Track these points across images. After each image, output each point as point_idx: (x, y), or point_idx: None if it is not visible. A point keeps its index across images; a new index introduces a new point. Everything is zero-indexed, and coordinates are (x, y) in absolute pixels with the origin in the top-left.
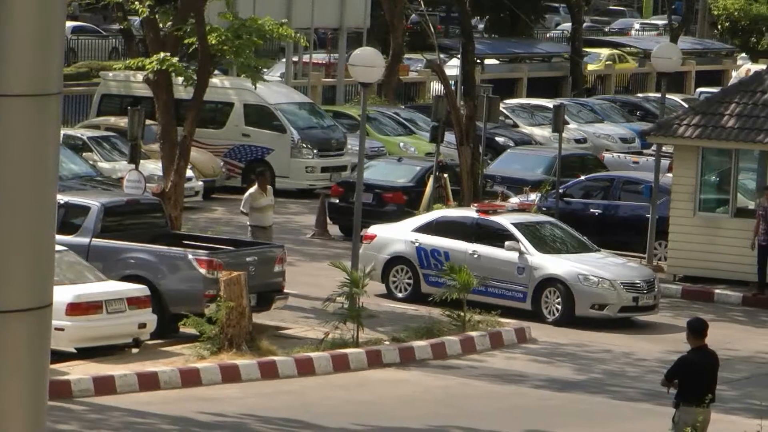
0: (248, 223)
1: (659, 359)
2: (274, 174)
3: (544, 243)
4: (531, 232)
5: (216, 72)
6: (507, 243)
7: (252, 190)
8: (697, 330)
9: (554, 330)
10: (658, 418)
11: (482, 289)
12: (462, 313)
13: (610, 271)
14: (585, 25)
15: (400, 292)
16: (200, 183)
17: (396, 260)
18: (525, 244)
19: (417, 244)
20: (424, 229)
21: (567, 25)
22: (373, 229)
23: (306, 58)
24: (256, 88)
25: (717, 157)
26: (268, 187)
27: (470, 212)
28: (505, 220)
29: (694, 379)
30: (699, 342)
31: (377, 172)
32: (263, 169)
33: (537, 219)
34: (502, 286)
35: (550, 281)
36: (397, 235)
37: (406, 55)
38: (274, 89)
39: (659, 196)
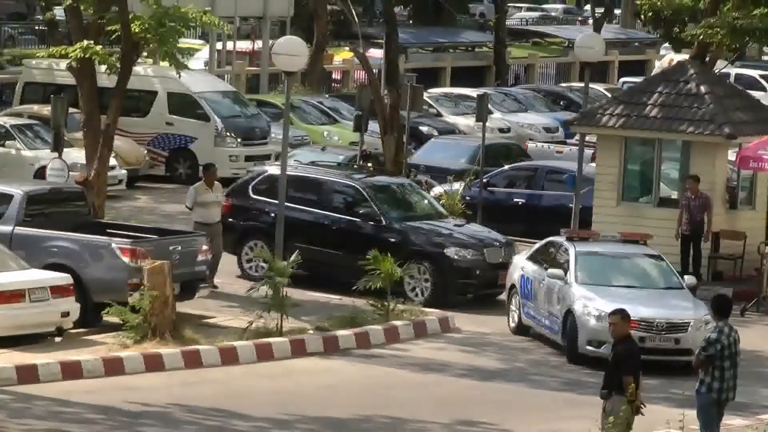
0: (193, 219)
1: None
2: (198, 163)
3: None
4: None
5: (139, 60)
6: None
7: (197, 184)
8: (626, 317)
9: (478, 319)
10: (579, 408)
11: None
12: (386, 303)
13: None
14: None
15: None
16: (123, 171)
17: None
18: None
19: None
20: None
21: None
22: None
23: (230, 46)
24: (180, 76)
25: (640, 147)
26: (216, 182)
27: None
28: None
29: (633, 368)
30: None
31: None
32: (211, 163)
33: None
34: None
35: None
36: None
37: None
38: (197, 77)
39: (583, 186)
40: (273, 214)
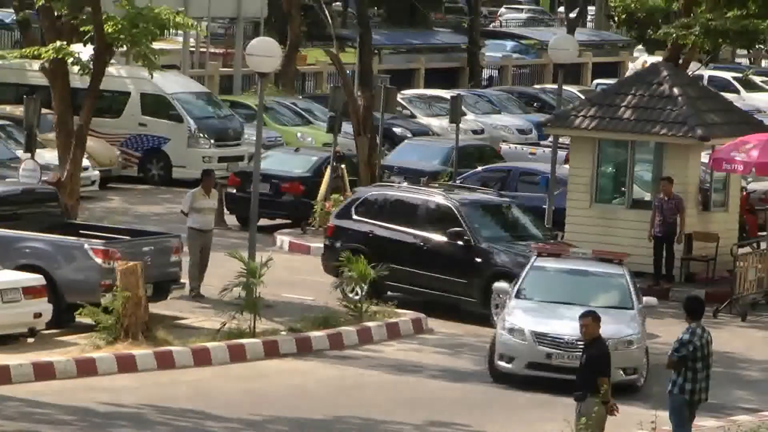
0: (187, 224)
1: None
2: (171, 164)
3: None
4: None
5: (112, 61)
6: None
7: (195, 190)
8: (599, 319)
9: (451, 321)
10: (554, 408)
11: None
12: (359, 304)
13: None
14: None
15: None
16: (96, 172)
17: None
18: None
19: None
20: None
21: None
22: None
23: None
24: (152, 77)
25: (613, 149)
26: (213, 189)
27: None
28: None
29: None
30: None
31: (274, 162)
32: (210, 169)
33: None
34: None
35: None
36: None
37: None
38: (171, 79)
39: (556, 187)
40: (371, 234)
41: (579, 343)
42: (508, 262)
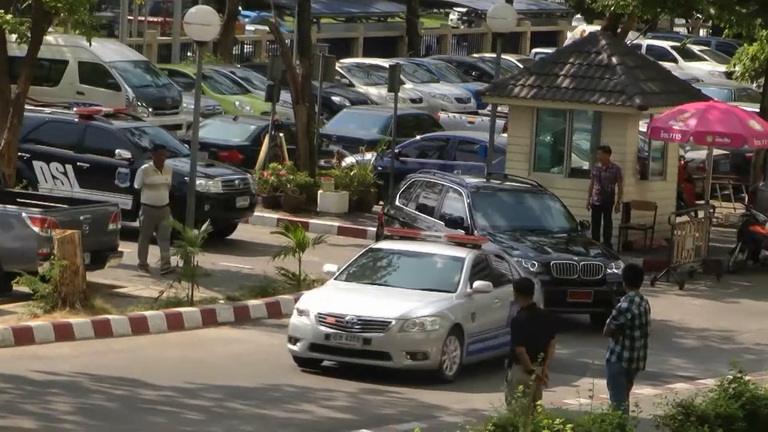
0: (141, 201)
1: None
2: None
3: None
4: None
5: (50, 29)
6: None
7: (146, 165)
8: (525, 289)
9: None
10: (488, 376)
11: None
12: (297, 272)
13: None
14: None
15: None
16: None
17: None
18: None
19: None
20: None
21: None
22: None
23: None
24: (90, 45)
25: (552, 118)
26: (166, 165)
27: None
28: None
29: (526, 339)
30: (528, 300)
31: (212, 131)
32: (161, 144)
33: None
34: None
35: None
36: None
37: None
38: (108, 47)
39: (494, 156)
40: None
41: (362, 324)
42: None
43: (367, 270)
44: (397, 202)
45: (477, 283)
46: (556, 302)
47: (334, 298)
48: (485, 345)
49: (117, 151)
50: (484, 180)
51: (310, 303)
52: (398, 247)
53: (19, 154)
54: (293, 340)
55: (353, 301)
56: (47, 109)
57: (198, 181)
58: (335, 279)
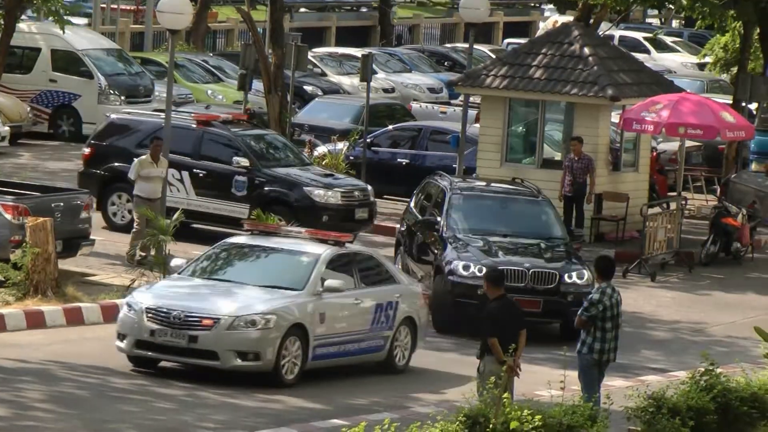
0: (134, 192)
1: None
2: (81, 120)
3: None
4: None
5: (23, 17)
6: None
7: (141, 157)
8: (496, 279)
9: None
10: (460, 367)
11: None
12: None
13: None
14: None
15: None
16: (6, 128)
17: None
18: None
19: None
20: None
21: None
22: None
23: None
24: (63, 33)
25: (524, 108)
26: (162, 157)
27: None
28: None
29: (497, 329)
30: (498, 291)
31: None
32: (158, 136)
33: None
34: None
35: None
36: None
37: None
38: (81, 35)
39: (466, 147)
40: None
41: (189, 320)
42: None
43: (214, 265)
44: (411, 204)
45: (329, 282)
46: None
47: (167, 293)
48: (340, 349)
49: (234, 158)
50: (479, 182)
51: (140, 297)
52: (252, 242)
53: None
54: (121, 336)
55: (185, 297)
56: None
57: (316, 191)
58: (179, 273)
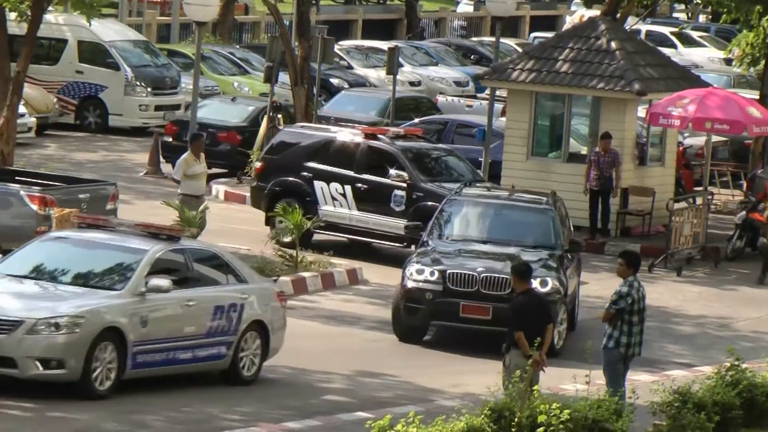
0: (179, 191)
1: None
2: (108, 111)
3: None
4: None
5: (50, 8)
6: None
7: (185, 156)
8: (522, 273)
9: (386, 272)
10: (485, 360)
11: None
12: (294, 254)
13: None
14: None
15: None
16: (33, 119)
17: None
18: None
19: None
20: None
21: None
22: None
23: None
24: (90, 24)
25: (550, 102)
26: (202, 153)
27: None
28: None
29: (523, 323)
30: (525, 285)
31: (211, 112)
32: (200, 133)
33: None
34: None
35: None
36: None
37: None
38: (108, 26)
39: (492, 140)
40: None
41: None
42: None
43: (29, 261)
44: None
45: (153, 281)
46: (448, 316)
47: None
48: (168, 357)
49: (392, 171)
50: (480, 189)
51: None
52: (76, 236)
53: (303, 174)
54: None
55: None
56: (333, 128)
57: None
58: None
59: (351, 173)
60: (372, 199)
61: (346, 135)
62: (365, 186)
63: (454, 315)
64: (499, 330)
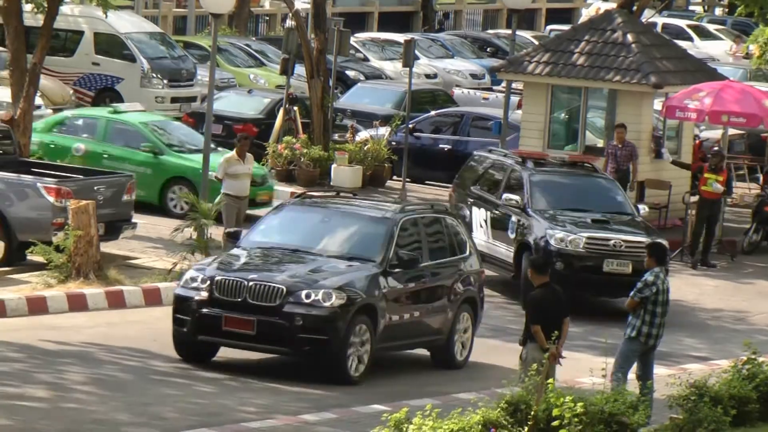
0: (222, 190)
1: (513, 297)
2: (124, 103)
3: None
4: None
5: (66, 0)
6: None
7: (228, 155)
8: (539, 267)
9: None
10: (504, 354)
11: None
12: None
13: None
14: None
15: None
16: (49, 111)
17: None
18: None
19: None
20: None
21: None
22: None
23: None
24: (106, 16)
25: (566, 95)
26: (249, 154)
27: None
28: None
29: (541, 317)
30: (543, 279)
31: (227, 104)
32: (245, 134)
33: None
34: None
35: None
36: None
37: None
38: (124, 18)
39: (508, 133)
40: None
41: None
42: None
43: None
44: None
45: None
46: (212, 330)
47: None
48: None
49: (504, 195)
50: (325, 195)
51: None
52: None
53: (469, 200)
54: None
55: None
56: (492, 155)
57: (558, 235)
58: None
59: (493, 199)
60: (500, 226)
61: (506, 159)
62: (497, 213)
63: (217, 329)
64: (267, 349)
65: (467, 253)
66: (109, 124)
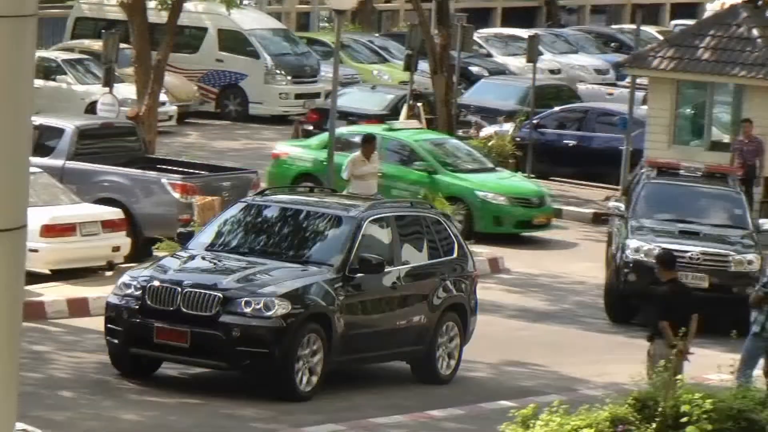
0: (349, 190)
1: None
2: (248, 100)
3: None
4: None
5: None
6: None
7: (354, 155)
8: (668, 262)
9: (528, 260)
10: (629, 350)
11: None
12: None
13: None
14: None
15: None
16: (174, 107)
17: None
18: None
19: None
20: None
21: None
22: None
23: None
24: (230, 13)
25: (692, 90)
26: (375, 153)
27: None
28: None
29: (669, 313)
30: (671, 274)
31: (351, 100)
32: (372, 134)
33: None
34: None
35: None
36: None
37: None
38: (248, 15)
39: (634, 128)
40: None
41: None
42: None
43: None
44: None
45: None
46: (144, 342)
47: None
48: None
49: (610, 203)
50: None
51: None
52: None
53: None
54: None
55: None
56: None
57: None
58: None
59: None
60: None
61: (642, 169)
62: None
63: (149, 341)
64: (201, 363)
65: (455, 255)
66: (384, 142)
